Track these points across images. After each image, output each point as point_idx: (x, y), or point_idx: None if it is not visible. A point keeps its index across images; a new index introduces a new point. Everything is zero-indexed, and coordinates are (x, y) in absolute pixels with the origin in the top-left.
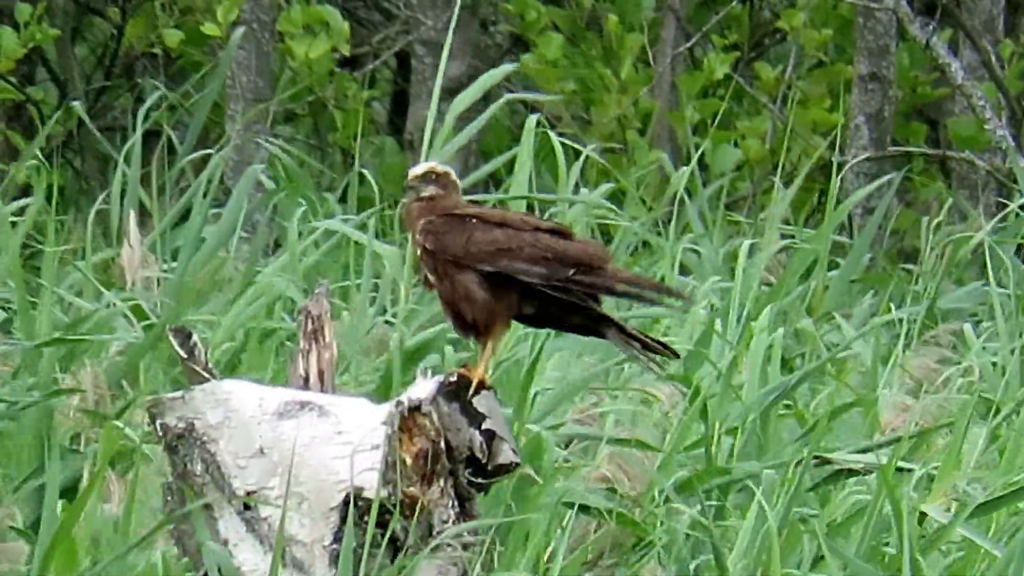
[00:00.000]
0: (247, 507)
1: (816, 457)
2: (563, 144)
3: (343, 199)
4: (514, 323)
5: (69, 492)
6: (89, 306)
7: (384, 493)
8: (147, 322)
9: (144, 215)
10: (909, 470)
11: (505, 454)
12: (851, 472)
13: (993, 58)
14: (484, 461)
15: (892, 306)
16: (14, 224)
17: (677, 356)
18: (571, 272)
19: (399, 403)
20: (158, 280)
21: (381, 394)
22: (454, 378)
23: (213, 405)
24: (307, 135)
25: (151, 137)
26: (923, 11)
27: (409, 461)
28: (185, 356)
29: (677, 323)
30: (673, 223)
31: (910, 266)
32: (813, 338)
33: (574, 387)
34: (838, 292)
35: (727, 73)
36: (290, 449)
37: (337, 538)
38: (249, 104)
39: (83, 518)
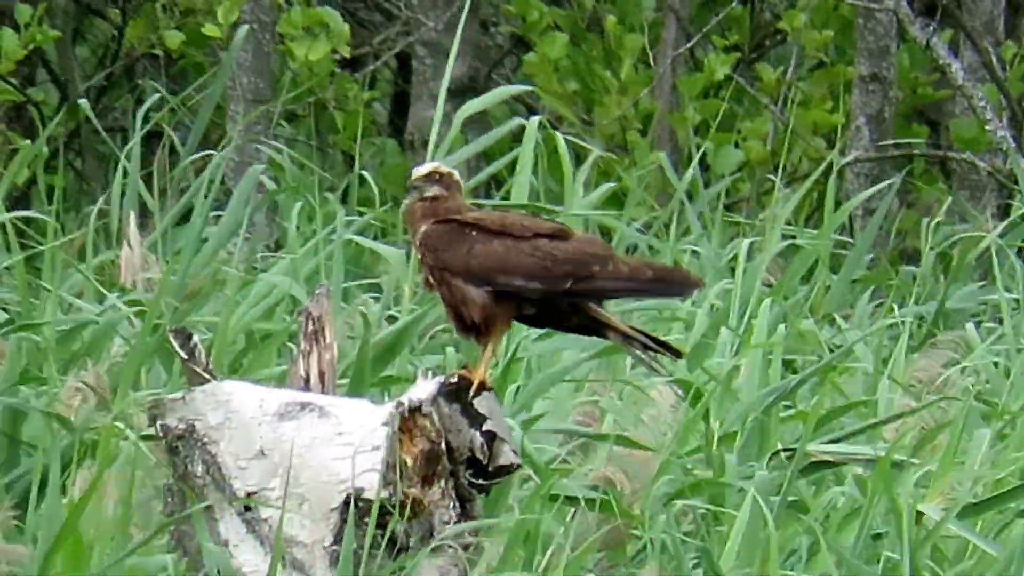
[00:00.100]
0: (248, 508)
1: (788, 450)
2: (567, 145)
3: (344, 200)
4: (515, 324)
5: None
6: (92, 308)
7: (384, 494)
8: (150, 324)
9: (146, 216)
10: (899, 464)
11: (506, 455)
12: (828, 464)
13: (994, 59)
14: (485, 462)
15: (895, 307)
16: (15, 225)
17: (680, 355)
18: (569, 284)
19: (400, 404)
20: (158, 281)
21: (352, 390)
22: (455, 379)
23: (214, 406)
24: (308, 136)
25: (152, 138)
26: (923, 12)
27: (410, 462)
28: (186, 357)
29: (678, 326)
30: (673, 225)
31: (912, 268)
32: (815, 339)
33: (547, 381)
34: (840, 293)
35: (728, 74)
36: (291, 450)
37: (338, 539)
38: (249, 105)
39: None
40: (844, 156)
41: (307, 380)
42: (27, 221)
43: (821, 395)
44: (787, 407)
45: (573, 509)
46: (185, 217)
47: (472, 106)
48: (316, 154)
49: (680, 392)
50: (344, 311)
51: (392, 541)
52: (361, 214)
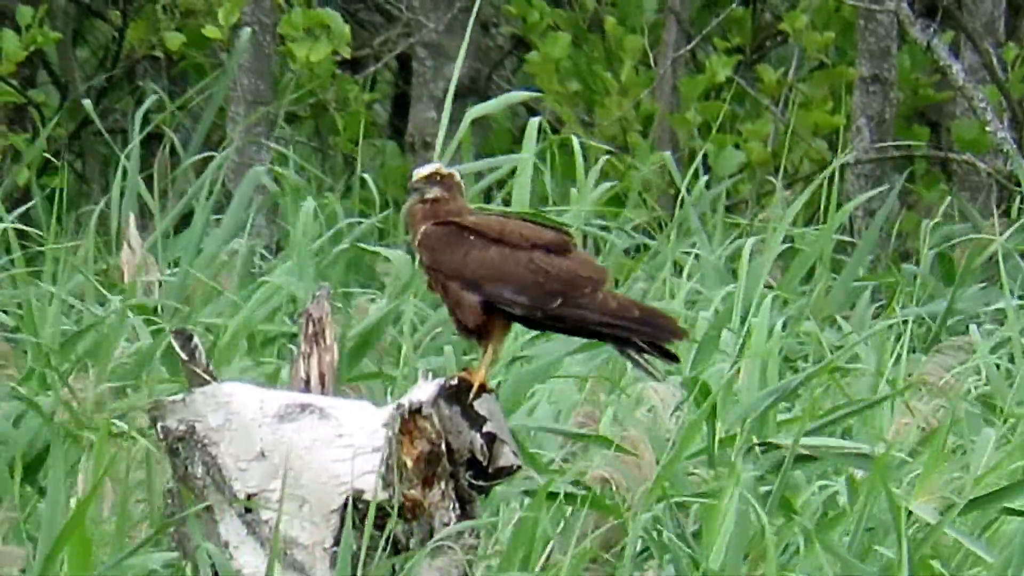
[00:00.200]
0: (248, 510)
1: (763, 444)
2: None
3: (344, 200)
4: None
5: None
6: (94, 310)
7: (384, 496)
8: (155, 327)
9: (147, 217)
10: (897, 463)
11: (506, 457)
12: (803, 458)
13: (995, 60)
14: (485, 464)
15: (897, 308)
16: (16, 226)
17: (677, 360)
18: (557, 303)
19: (400, 406)
20: (159, 283)
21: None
22: (455, 381)
23: (214, 408)
24: (308, 137)
25: (154, 140)
26: (924, 13)
27: (410, 464)
28: (186, 358)
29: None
30: (674, 226)
31: (913, 268)
32: (817, 340)
33: (528, 377)
34: (841, 294)
35: (729, 76)
36: (291, 452)
37: (338, 541)
38: (250, 107)
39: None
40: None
41: (307, 382)
42: (27, 222)
43: (816, 393)
44: (788, 408)
45: (569, 509)
46: (185, 218)
47: (479, 110)
48: (316, 156)
49: (678, 392)
50: (344, 312)
51: (393, 543)
52: (362, 216)
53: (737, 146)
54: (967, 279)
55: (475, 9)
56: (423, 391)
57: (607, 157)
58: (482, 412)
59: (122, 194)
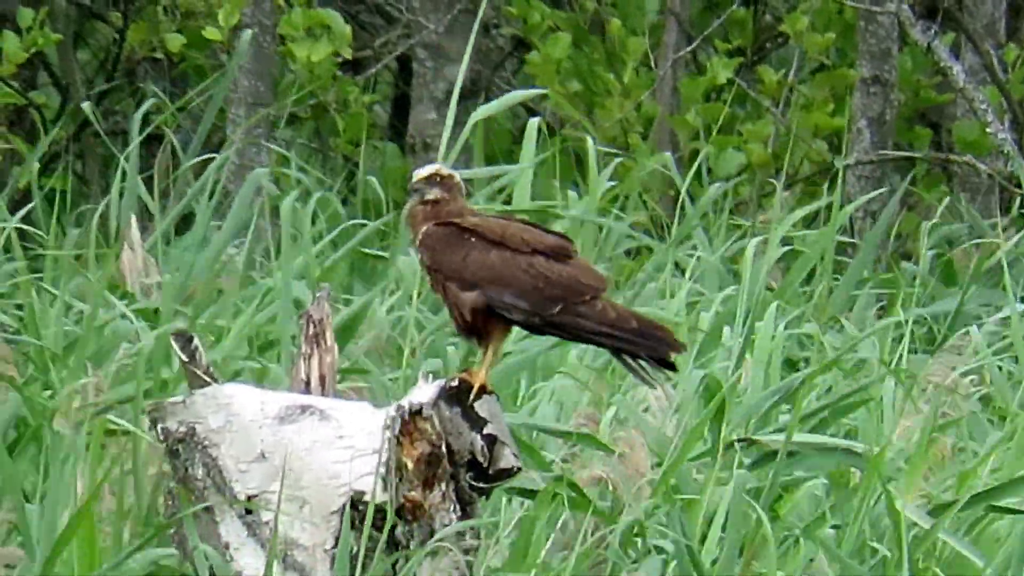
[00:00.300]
0: (248, 511)
1: (742, 440)
2: (566, 146)
3: (345, 202)
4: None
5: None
6: (101, 313)
7: (385, 497)
8: (158, 330)
9: (148, 219)
10: (839, 447)
11: (507, 458)
12: (800, 457)
13: (995, 61)
14: (485, 465)
15: (900, 309)
16: (17, 228)
17: (674, 368)
18: (557, 309)
19: (400, 407)
20: (159, 284)
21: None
22: (455, 382)
23: (214, 409)
24: (309, 138)
25: (155, 141)
26: (924, 15)
27: (411, 465)
28: (187, 360)
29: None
30: (675, 227)
31: (914, 267)
32: (819, 342)
33: (507, 373)
34: (844, 296)
35: (729, 77)
36: (291, 453)
37: (339, 542)
38: (250, 108)
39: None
40: (845, 159)
41: (308, 383)
42: (27, 222)
43: (814, 392)
44: (790, 410)
45: (566, 510)
46: (185, 219)
47: (482, 111)
48: (316, 157)
49: (674, 393)
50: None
51: (394, 544)
52: (365, 218)
53: (738, 147)
54: (976, 279)
55: (480, 11)
56: (424, 392)
57: (620, 159)
58: (483, 413)
59: (121, 195)
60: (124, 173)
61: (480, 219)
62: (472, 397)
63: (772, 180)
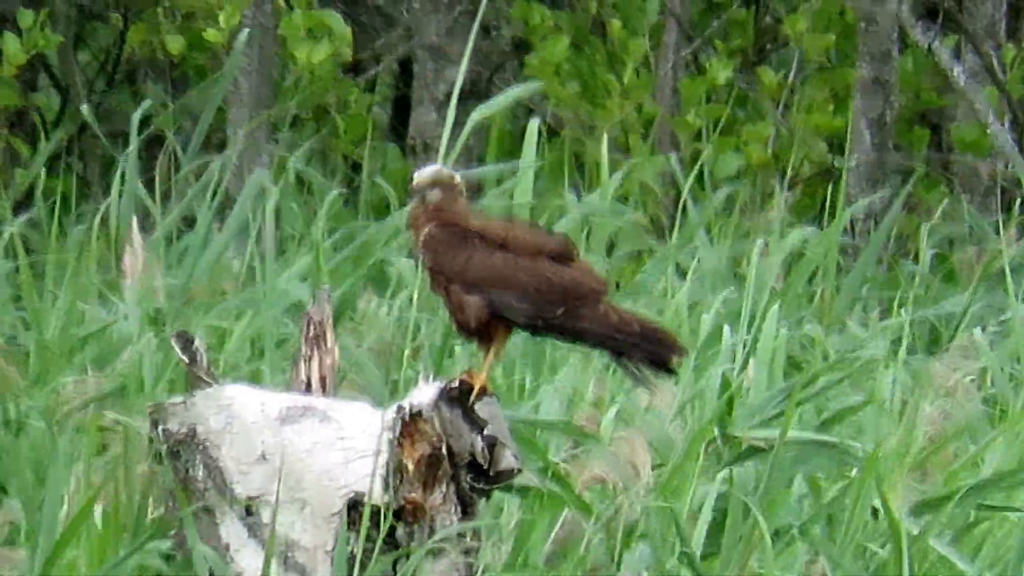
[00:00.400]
0: (249, 512)
1: (727, 436)
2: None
3: (346, 203)
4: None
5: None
6: (97, 312)
7: (385, 498)
8: (161, 333)
9: (149, 220)
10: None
11: (507, 460)
12: (757, 450)
13: (995, 62)
14: (486, 467)
15: (903, 312)
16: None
17: (674, 372)
18: (560, 311)
19: (400, 409)
20: (161, 285)
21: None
22: (456, 384)
23: (215, 410)
24: (309, 140)
25: (156, 143)
26: (925, 16)
27: (411, 467)
28: (187, 361)
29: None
30: (676, 228)
31: (914, 267)
32: (822, 344)
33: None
34: (848, 298)
35: (730, 79)
36: (292, 455)
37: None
38: (251, 110)
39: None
40: (846, 159)
41: (308, 384)
42: (28, 223)
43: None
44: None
45: (566, 510)
46: (186, 220)
47: (482, 111)
48: (317, 158)
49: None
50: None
51: (395, 546)
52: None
53: (737, 149)
54: (981, 282)
55: (480, 12)
56: (424, 394)
57: (633, 161)
58: (483, 415)
59: (121, 196)
60: (124, 175)
61: (483, 221)
62: (472, 398)
63: (772, 181)
